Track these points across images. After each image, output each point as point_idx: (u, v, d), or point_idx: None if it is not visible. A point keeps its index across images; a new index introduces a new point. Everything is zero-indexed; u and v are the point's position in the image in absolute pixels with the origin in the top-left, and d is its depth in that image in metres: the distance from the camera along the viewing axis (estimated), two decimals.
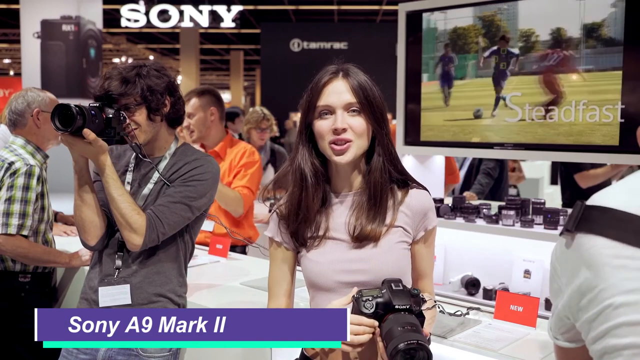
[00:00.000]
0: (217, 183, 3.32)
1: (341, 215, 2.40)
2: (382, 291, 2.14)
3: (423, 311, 2.15)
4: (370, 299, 2.12)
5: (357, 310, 2.13)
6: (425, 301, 2.19)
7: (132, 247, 3.09)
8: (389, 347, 2.00)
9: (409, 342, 1.95)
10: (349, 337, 2.04)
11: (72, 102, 3.00)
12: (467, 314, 3.22)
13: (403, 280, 2.20)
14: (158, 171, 3.20)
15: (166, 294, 3.21)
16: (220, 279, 4.05)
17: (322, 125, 2.33)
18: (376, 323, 2.10)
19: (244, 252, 5.18)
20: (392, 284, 2.16)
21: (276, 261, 2.51)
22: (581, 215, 1.42)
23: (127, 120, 3.09)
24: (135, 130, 3.12)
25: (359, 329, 2.07)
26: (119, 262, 3.18)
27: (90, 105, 3.02)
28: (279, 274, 2.50)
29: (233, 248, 4.94)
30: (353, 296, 2.16)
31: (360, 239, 2.33)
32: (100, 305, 3.15)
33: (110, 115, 3.04)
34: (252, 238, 5.13)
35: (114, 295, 3.15)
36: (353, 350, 2.09)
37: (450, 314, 3.20)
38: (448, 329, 2.97)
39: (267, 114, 7.99)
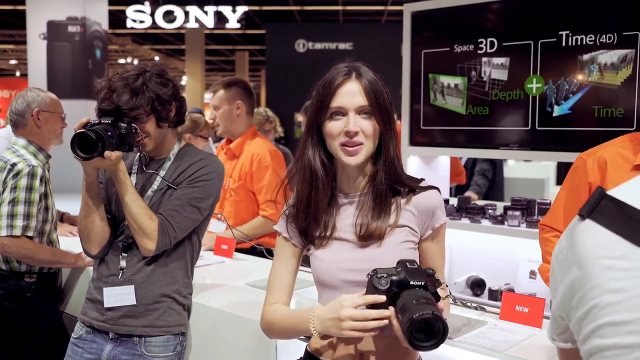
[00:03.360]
0: (222, 181, 3.34)
1: (348, 216, 2.42)
2: (397, 269, 2.14)
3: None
4: (385, 276, 2.12)
5: (371, 288, 2.14)
6: (441, 284, 2.19)
7: (145, 252, 3.12)
8: (403, 320, 2.00)
9: (423, 313, 1.94)
10: (362, 324, 2.10)
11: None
12: (477, 308, 3.22)
13: None
14: (164, 179, 3.22)
15: (171, 294, 3.23)
16: (225, 279, 4.05)
17: (334, 127, 2.34)
18: (388, 313, 2.10)
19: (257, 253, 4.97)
20: (407, 263, 2.17)
21: (281, 256, 2.54)
22: (598, 204, 1.42)
23: (138, 131, 3.10)
24: (145, 138, 3.14)
25: (370, 313, 2.10)
26: (123, 263, 3.20)
27: (102, 122, 3.01)
28: (281, 269, 2.53)
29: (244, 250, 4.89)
30: (368, 274, 2.17)
31: (366, 238, 2.36)
32: (105, 306, 3.18)
33: (124, 131, 3.04)
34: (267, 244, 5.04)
35: (119, 295, 3.17)
36: (365, 334, 2.15)
37: (463, 304, 3.21)
38: (454, 330, 2.96)
39: (270, 116, 7.90)
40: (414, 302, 2.01)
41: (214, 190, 3.24)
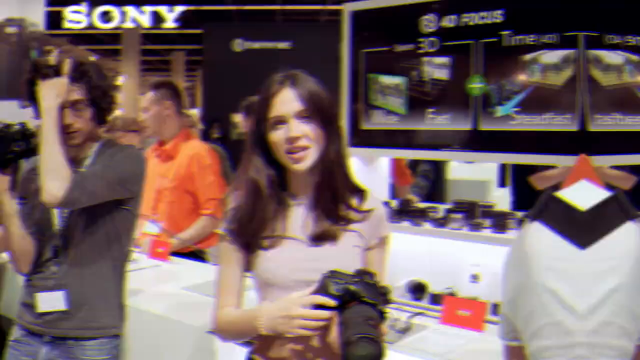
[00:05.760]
0: (145, 168, 3.24)
1: (298, 217, 2.42)
2: (355, 279, 2.12)
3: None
4: (341, 282, 2.10)
5: (322, 289, 2.13)
6: (389, 303, 2.19)
7: (50, 198, 2.90)
8: (343, 335, 1.98)
9: (364, 334, 1.93)
10: (312, 323, 2.13)
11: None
12: (409, 328, 3.19)
13: None
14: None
15: (103, 295, 3.19)
16: (161, 283, 4.05)
17: (277, 136, 2.33)
18: (335, 316, 2.10)
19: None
20: (367, 276, 2.15)
21: (227, 259, 2.49)
22: (546, 206, 1.45)
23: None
24: (76, 133, 3.05)
25: (320, 313, 2.11)
26: (55, 268, 3.14)
27: None
28: (228, 272, 2.48)
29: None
30: (323, 274, 2.16)
31: (318, 239, 2.36)
32: (39, 311, 3.12)
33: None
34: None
35: (51, 301, 3.11)
36: (310, 333, 2.16)
37: (394, 330, 3.17)
38: (394, 335, 2.96)
39: (186, 112, 8.04)
40: (360, 320, 1.99)
41: (136, 169, 3.17)
